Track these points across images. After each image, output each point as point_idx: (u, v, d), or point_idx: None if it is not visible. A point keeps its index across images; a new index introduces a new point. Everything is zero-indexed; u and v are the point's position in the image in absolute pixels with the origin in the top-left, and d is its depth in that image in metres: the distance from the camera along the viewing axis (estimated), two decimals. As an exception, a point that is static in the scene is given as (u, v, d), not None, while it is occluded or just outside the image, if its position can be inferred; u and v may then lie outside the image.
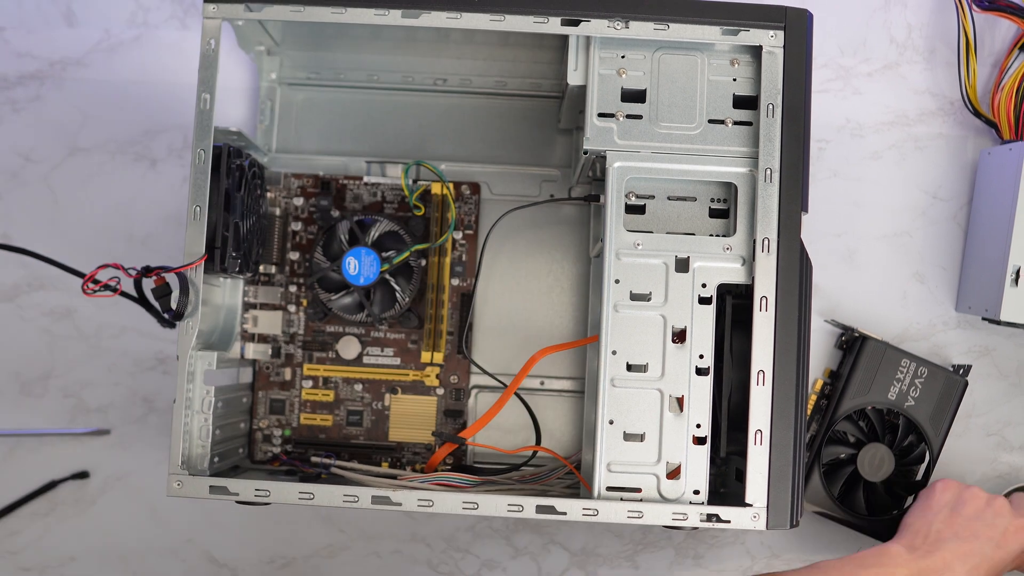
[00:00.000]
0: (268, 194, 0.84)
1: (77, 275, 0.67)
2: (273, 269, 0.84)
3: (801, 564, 0.87)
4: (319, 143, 0.86)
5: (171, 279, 0.68)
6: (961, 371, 0.85)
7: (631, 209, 0.72)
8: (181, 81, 0.88)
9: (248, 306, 0.84)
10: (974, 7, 0.86)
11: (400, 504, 0.67)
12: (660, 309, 0.70)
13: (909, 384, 0.84)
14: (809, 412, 0.86)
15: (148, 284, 0.67)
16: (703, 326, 0.69)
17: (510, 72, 0.86)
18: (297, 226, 0.84)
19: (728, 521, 0.67)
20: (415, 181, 0.84)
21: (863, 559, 0.72)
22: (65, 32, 0.89)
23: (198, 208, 0.68)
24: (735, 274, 0.70)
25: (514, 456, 0.82)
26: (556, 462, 0.80)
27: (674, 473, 0.69)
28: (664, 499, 0.68)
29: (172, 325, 0.68)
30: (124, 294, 0.66)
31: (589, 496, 0.69)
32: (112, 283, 0.65)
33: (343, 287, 0.80)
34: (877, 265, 0.89)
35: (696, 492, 0.68)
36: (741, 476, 0.68)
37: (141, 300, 0.67)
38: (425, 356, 0.83)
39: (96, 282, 0.65)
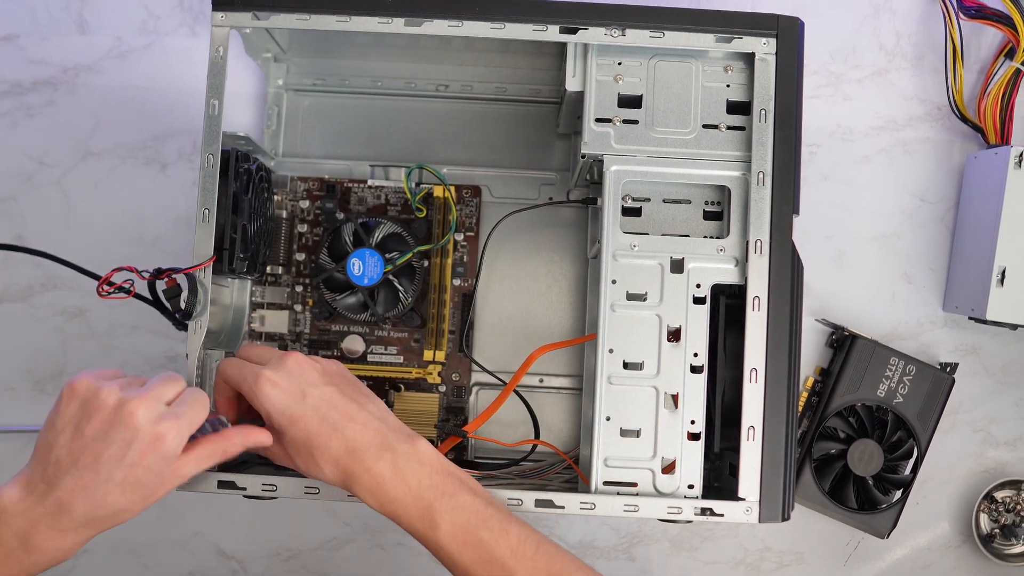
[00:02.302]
0: (275, 197, 0.84)
1: (92, 277, 0.67)
2: (280, 270, 0.84)
3: (793, 558, 0.88)
4: (324, 147, 0.86)
5: (180, 279, 0.68)
6: (948, 369, 0.85)
7: (627, 211, 0.72)
8: (190, 87, 0.89)
9: (255, 306, 0.84)
10: (961, 15, 0.86)
11: (403, 498, 0.67)
12: (656, 309, 0.70)
13: (898, 381, 0.84)
14: (800, 409, 0.86)
15: (160, 286, 0.67)
16: (697, 325, 0.70)
17: (510, 78, 0.86)
18: (303, 228, 0.84)
19: (722, 515, 0.67)
20: (418, 184, 0.84)
21: None
22: (78, 39, 0.89)
23: (207, 211, 0.68)
24: (728, 275, 0.70)
25: (514, 451, 0.82)
26: (555, 457, 0.81)
27: (669, 468, 0.69)
28: (659, 493, 0.68)
29: (186, 328, 0.68)
30: (138, 296, 0.67)
31: (587, 490, 0.69)
32: (126, 285, 0.66)
33: (348, 287, 0.80)
34: (867, 266, 0.89)
35: (691, 486, 0.68)
36: (734, 471, 0.68)
37: (155, 302, 0.67)
38: (427, 354, 0.83)
39: (111, 284, 0.65)
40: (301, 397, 0.62)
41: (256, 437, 0.63)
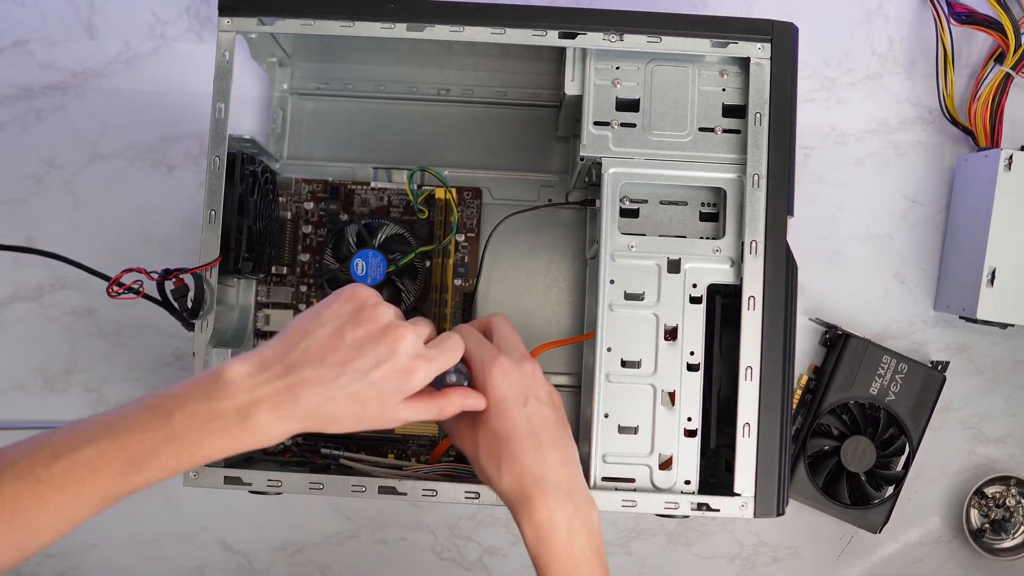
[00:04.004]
0: (280, 199, 0.84)
1: (102, 278, 0.67)
2: (284, 270, 0.84)
3: (787, 552, 0.88)
4: (328, 150, 0.87)
5: (187, 280, 0.68)
6: (939, 367, 0.85)
7: (625, 213, 0.72)
8: (197, 91, 0.89)
9: (260, 305, 0.84)
10: (952, 21, 0.86)
11: (406, 494, 0.67)
12: (653, 308, 0.70)
13: (890, 379, 0.84)
14: (795, 406, 0.86)
15: (168, 286, 0.67)
16: (694, 324, 0.70)
17: (510, 82, 0.86)
18: (307, 229, 0.84)
19: (718, 510, 0.67)
20: (420, 186, 0.84)
21: (191, 385, 0.54)
22: (86, 44, 0.89)
23: (213, 212, 0.68)
24: (724, 275, 0.70)
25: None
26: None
27: (666, 464, 0.69)
28: (657, 489, 0.68)
29: (193, 327, 0.68)
30: (147, 296, 0.67)
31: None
32: (135, 286, 0.66)
33: (351, 287, 0.80)
34: (859, 266, 0.89)
35: (687, 482, 0.69)
36: (730, 467, 0.68)
37: (163, 302, 0.67)
38: (429, 353, 0.83)
39: (120, 285, 0.65)
40: (523, 399, 0.60)
41: (473, 400, 0.61)
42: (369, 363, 0.56)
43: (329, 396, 0.55)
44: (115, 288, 0.65)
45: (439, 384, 0.61)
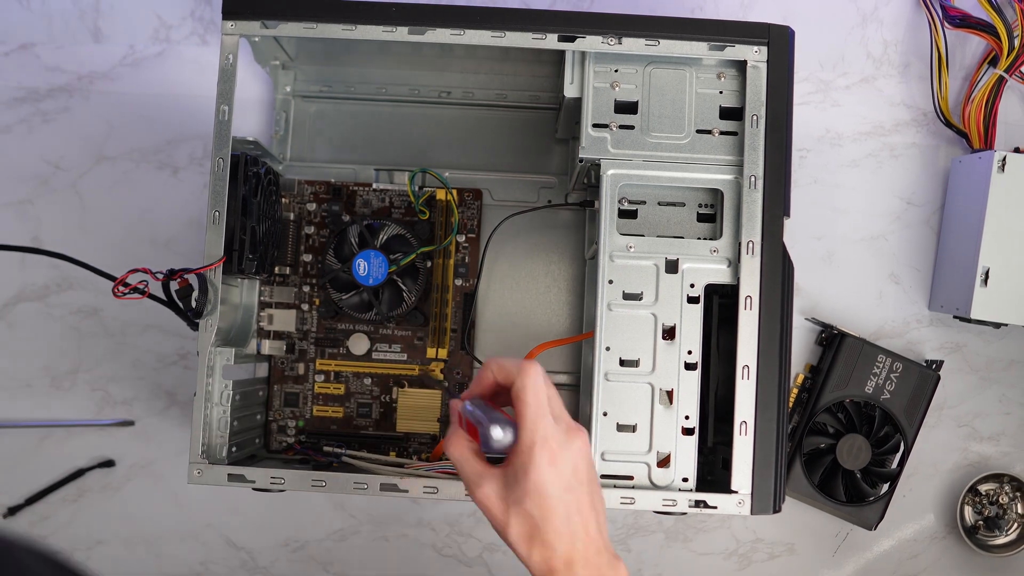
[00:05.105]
0: (283, 200, 0.84)
1: (108, 278, 0.67)
2: (287, 270, 0.84)
3: (783, 549, 0.88)
4: (331, 152, 0.87)
5: (192, 280, 0.68)
6: (934, 366, 0.85)
7: (624, 214, 0.72)
8: (201, 94, 0.89)
9: (264, 305, 0.84)
10: (946, 24, 0.86)
11: (407, 491, 0.67)
12: (651, 308, 0.70)
13: (885, 378, 0.84)
14: (791, 405, 0.86)
15: (172, 286, 0.67)
16: (691, 324, 0.70)
17: (510, 85, 0.86)
18: (310, 230, 0.84)
19: (715, 507, 0.67)
20: (421, 188, 0.84)
21: None
22: (92, 48, 0.89)
23: (217, 213, 0.69)
24: (721, 275, 0.70)
25: (514, 446, 0.82)
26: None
27: (664, 462, 0.69)
28: (655, 486, 0.68)
29: (197, 326, 0.68)
30: (152, 296, 0.67)
31: (584, 483, 0.69)
32: (141, 286, 0.66)
33: (353, 287, 0.80)
34: (855, 266, 0.89)
35: (685, 480, 0.69)
36: (727, 465, 0.68)
37: (168, 302, 0.67)
38: (430, 352, 0.83)
39: (126, 285, 0.65)
40: (565, 488, 0.56)
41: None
42: None
43: None
44: (121, 288, 0.65)
45: (486, 447, 0.58)
